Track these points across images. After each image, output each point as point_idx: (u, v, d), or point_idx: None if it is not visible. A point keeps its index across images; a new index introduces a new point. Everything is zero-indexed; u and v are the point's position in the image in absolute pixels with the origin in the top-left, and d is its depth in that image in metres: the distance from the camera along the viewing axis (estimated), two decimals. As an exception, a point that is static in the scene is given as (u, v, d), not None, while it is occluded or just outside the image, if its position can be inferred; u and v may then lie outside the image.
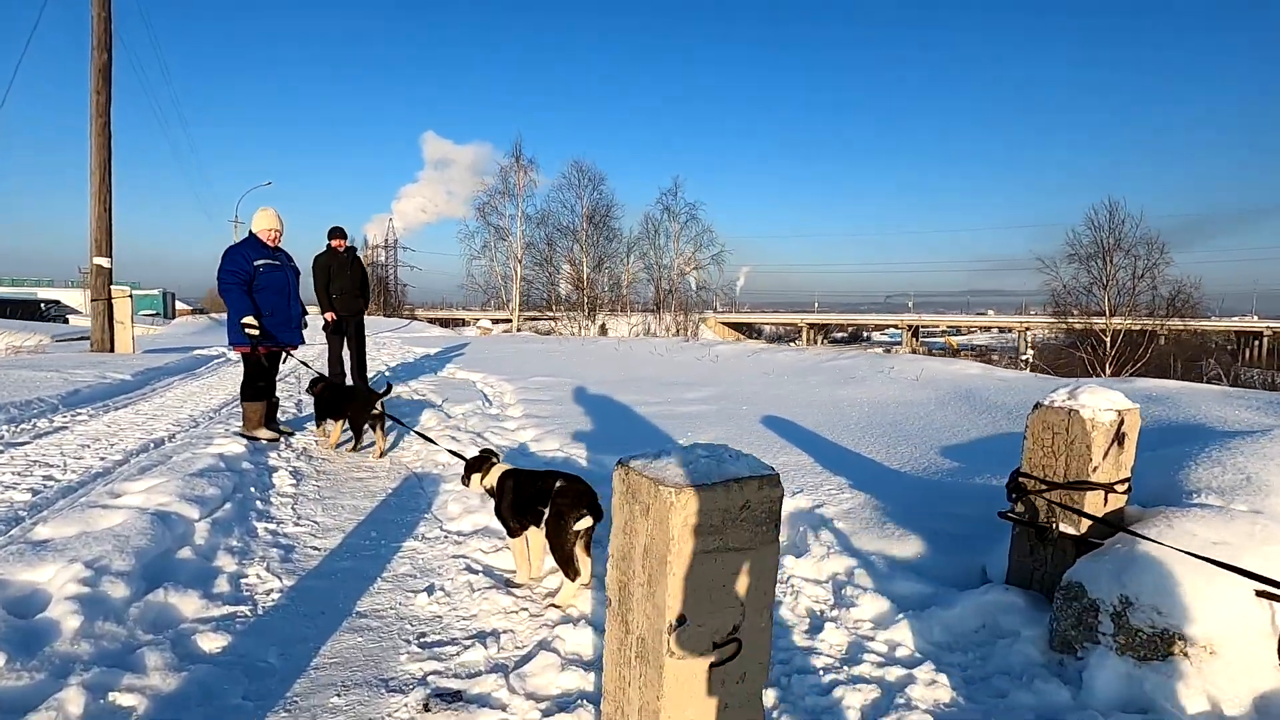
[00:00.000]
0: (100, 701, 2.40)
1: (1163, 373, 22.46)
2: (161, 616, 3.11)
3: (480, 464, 3.80)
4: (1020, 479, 3.18)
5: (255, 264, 6.40)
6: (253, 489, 5.05)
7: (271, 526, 4.46)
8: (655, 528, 1.76)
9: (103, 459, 5.49)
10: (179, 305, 52.39)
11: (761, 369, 12.72)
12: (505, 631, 3.13)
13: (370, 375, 9.94)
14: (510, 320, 33.16)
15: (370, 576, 3.78)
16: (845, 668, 2.79)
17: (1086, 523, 2.95)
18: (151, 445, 6.10)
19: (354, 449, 6.49)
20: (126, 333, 14.72)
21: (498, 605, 3.35)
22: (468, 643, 3.03)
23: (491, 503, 3.82)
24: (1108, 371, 26.55)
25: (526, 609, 3.33)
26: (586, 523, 3.27)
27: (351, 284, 9.27)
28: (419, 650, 2.99)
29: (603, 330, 31.87)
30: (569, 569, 3.29)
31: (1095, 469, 2.92)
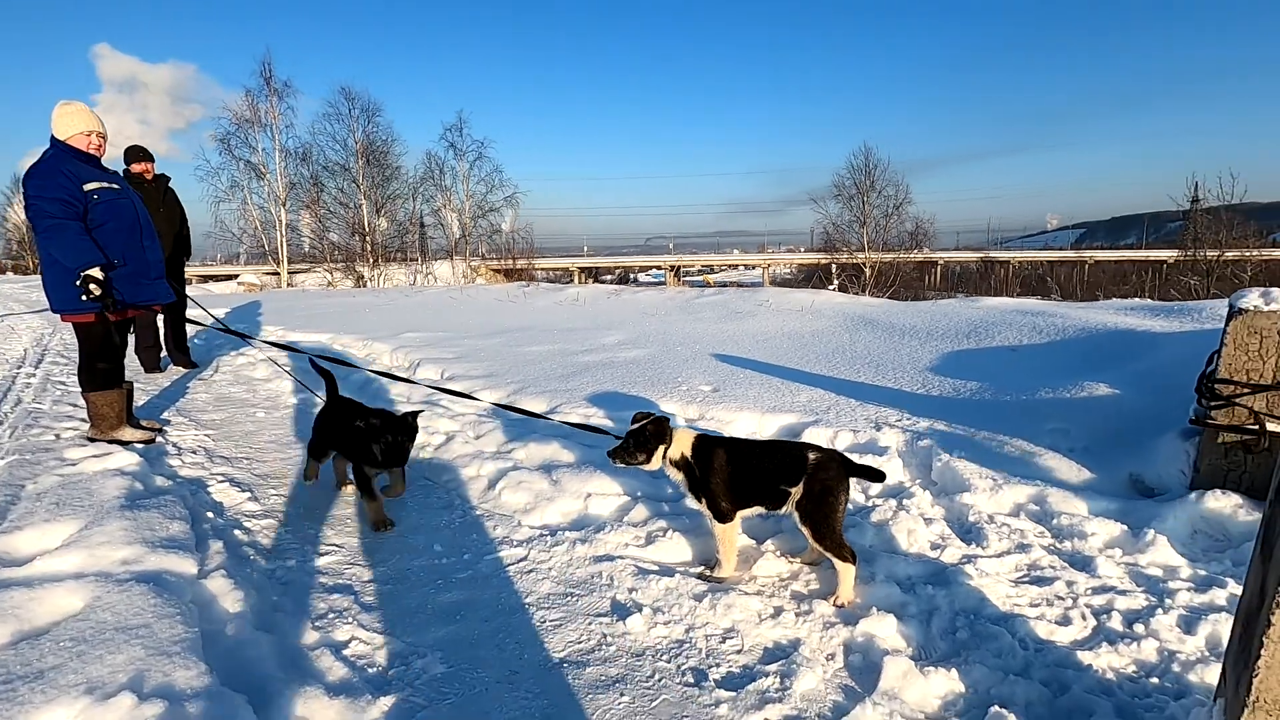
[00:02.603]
0: None
1: (917, 296, 26.65)
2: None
3: (660, 432, 2.90)
4: (1216, 385, 3.23)
5: (86, 188, 4.29)
6: (210, 513, 3.45)
7: (292, 564, 3.07)
8: None
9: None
10: None
11: (636, 310, 12.32)
12: (796, 643, 2.44)
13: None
14: (277, 273, 27.92)
15: (513, 607, 2.75)
16: (1164, 600, 2.62)
17: (1296, 420, 3.09)
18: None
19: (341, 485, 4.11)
20: None
21: (749, 612, 2.62)
22: (774, 667, 2.30)
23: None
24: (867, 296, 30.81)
25: (780, 609, 2.65)
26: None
27: (166, 227, 6.86)
28: (729, 691, 2.20)
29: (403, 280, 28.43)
30: (844, 552, 2.66)
31: (1309, 368, 3.05)
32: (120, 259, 4.41)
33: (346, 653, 2.42)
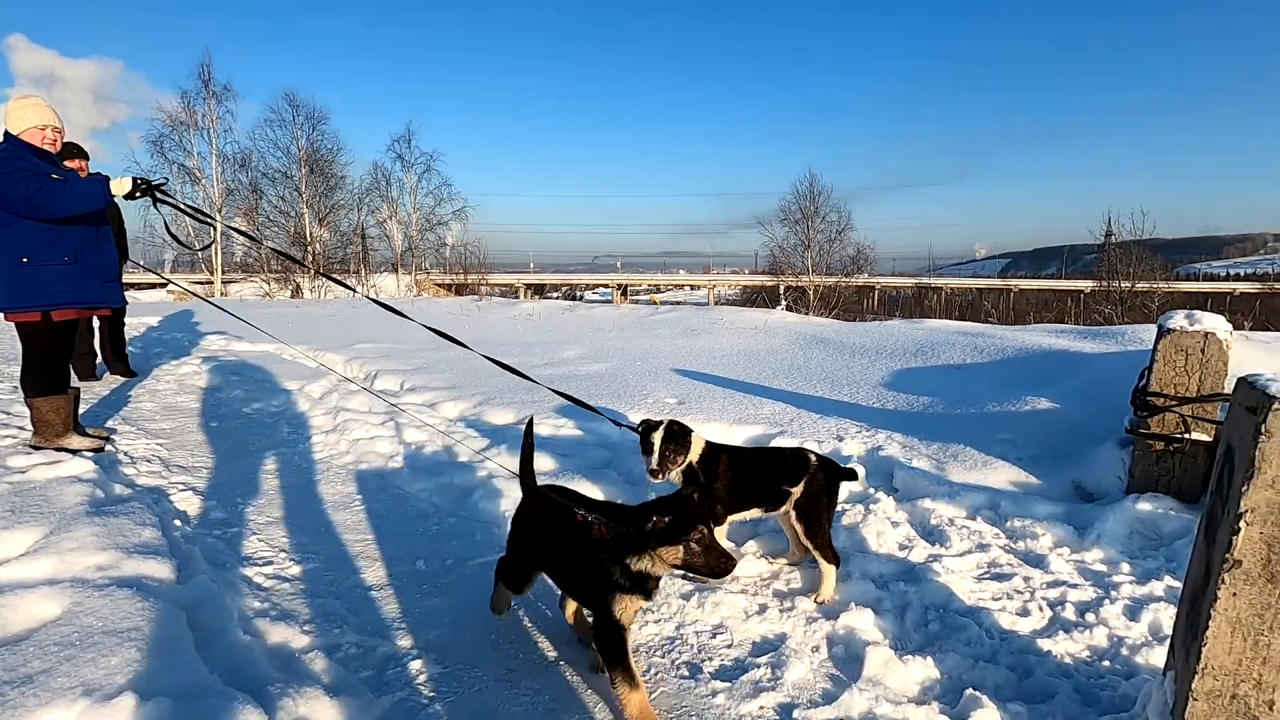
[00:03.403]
0: None
1: (857, 318, 27.59)
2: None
3: (688, 443, 2.95)
4: (1148, 397, 3.55)
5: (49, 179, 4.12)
6: (177, 521, 3.34)
7: (270, 571, 3.01)
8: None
9: None
10: None
11: (592, 325, 12.41)
12: (783, 637, 2.56)
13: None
14: (210, 282, 26.60)
15: (525, 625, 2.77)
16: (1110, 592, 2.86)
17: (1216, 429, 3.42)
18: None
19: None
20: None
21: (735, 609, 2.72)
22: (763, 659, 2.41)
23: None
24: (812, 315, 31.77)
25: (765, 606, 2.76)
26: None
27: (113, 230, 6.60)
28: (724, 682, 2.29)
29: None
30: (831, 554, 2.81)
31: (1227, 380, 3.39)
32: (73, 257, 4.25)
33: (339, 655, 2.40)
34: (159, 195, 4.14)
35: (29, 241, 4.08)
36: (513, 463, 4.44)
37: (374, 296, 5.26)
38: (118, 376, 7.08)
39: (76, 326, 4.62)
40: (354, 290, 4.56)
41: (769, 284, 40.82)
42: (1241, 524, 1.67)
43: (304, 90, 33.02)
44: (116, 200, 4.06)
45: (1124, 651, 2.48)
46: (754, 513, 3.01)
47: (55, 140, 4.35)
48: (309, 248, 28.77)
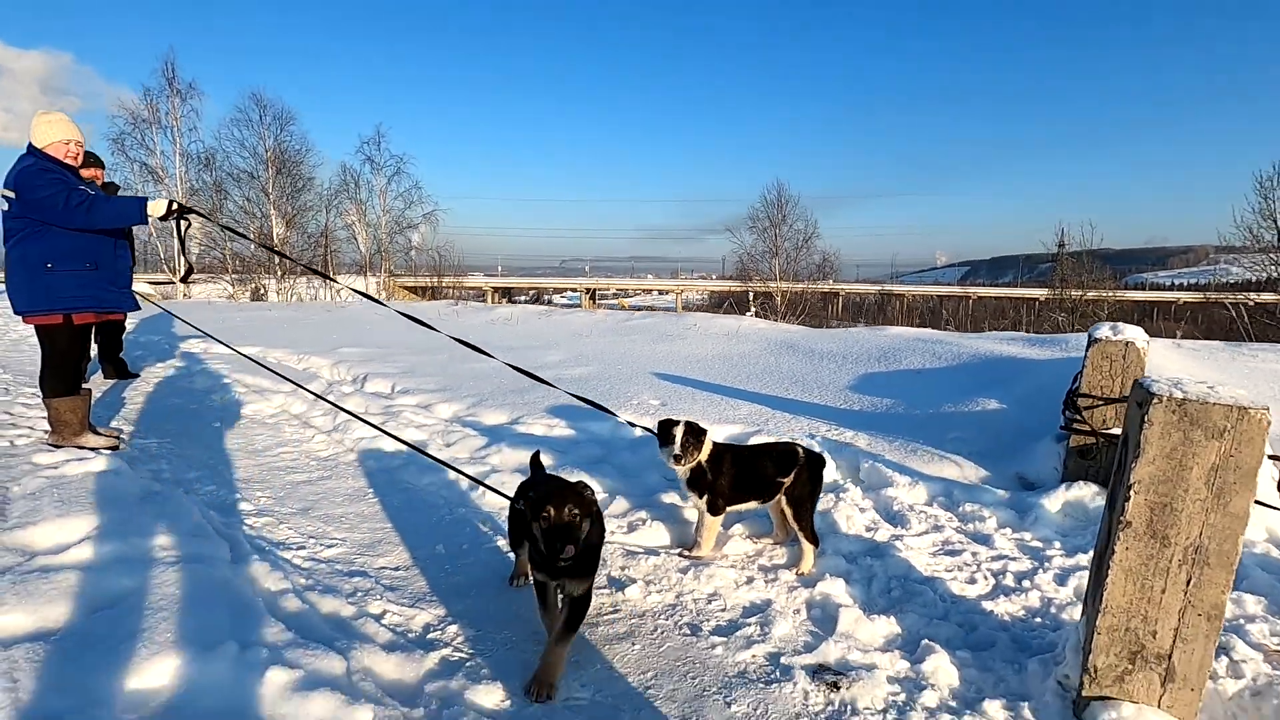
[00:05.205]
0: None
1: (822, 323, 28.50)
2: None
3: (700, 437, 3.31)
4: (1078, 398, 4.07)
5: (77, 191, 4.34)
6: (212, 511, 3.61)
7: (305, 554, 3.32)
8: (1235, 445, 2.00)
9: None
10: None
11: (569, 331, 12.73)
12: (769, 602, 2.97)
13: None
14: (172, 283, 26.11)
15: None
16: (1043, 564, 3.34)
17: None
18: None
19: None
20: None
21: (727, 580, 3.13)
22: (753, 619, 2.82)
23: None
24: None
25: (752, 578, 3.18)
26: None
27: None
28: (721, 637, 2.69)
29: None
30: (813, 535, 3.26)
31: (1144, 385, 3.91)
32: (93, 264, 4.48)
33: (385, 622, 2.74)
34: (191, 218, 4.38)
35: (54, 249, 4.31)
36: (513, 457, 4.80)
37: (401, 310, 5.54)
38: (110, 380, 7.21)
39: (92, 330, 4.84)
40: (380, 301, 4.88)
41: (737, 289, 41.66)
42: (1131, 493, 2.13)
43: (271, 91, 32.50)
44: (151, 220, 4.31)
45: (1053, 610, 2.96)
46: (751, 505, 3.43)
47: (78, 154, 4.59)
48: (274, 250, 28.45)
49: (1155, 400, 2.07)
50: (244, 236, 6.02)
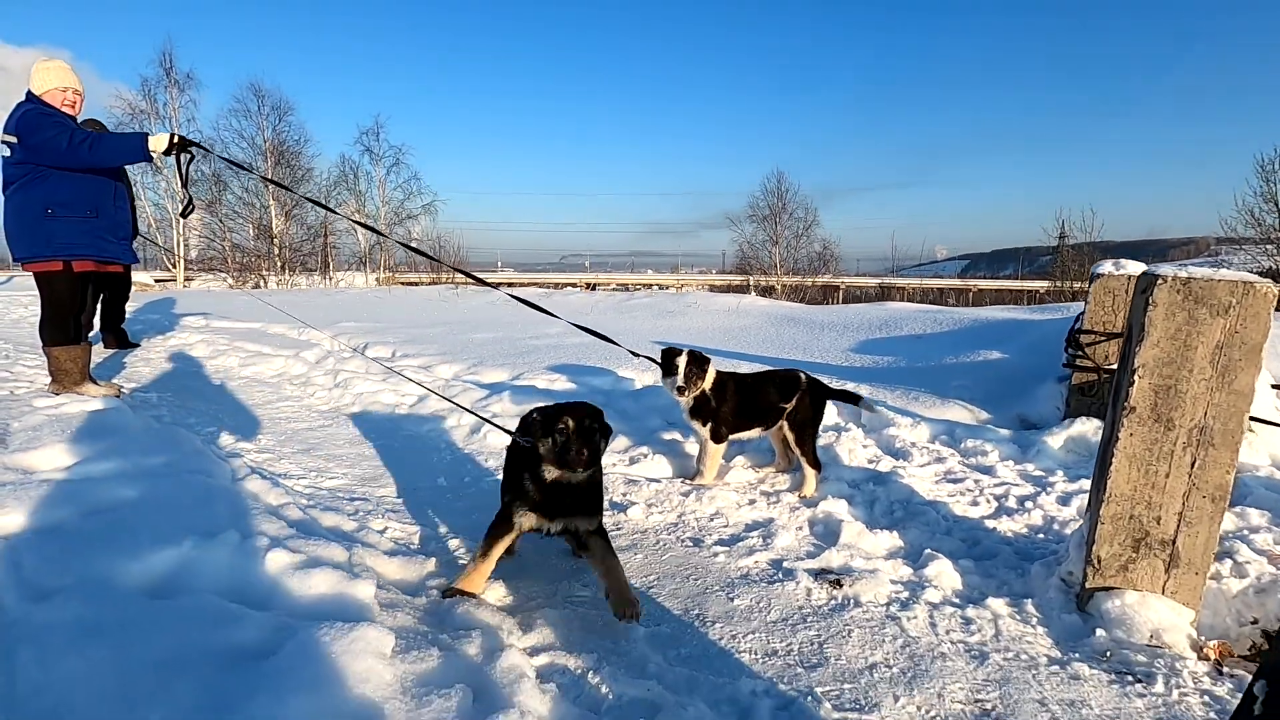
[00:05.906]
0: None
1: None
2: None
3: (704, 366, 3.32)
4: (1080, 335, 4.06)
5: (73, 141, 4.33)
6: (212, 446, 3.61)
7: (306, 483, 3.32)
8: (1241, 321, 1.99)
9: None
10: None
11: (570, 309, 12.68)
12: (771, 519, 2.96)
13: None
14: (173, 279, 26.03)
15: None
16: (1046, 489, 3.33)
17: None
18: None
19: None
20: None
21: (729, 502, 3.14)
22: (755, 533, 2.81)
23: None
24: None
25: (754, 500, 3.17)
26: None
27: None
28: (724, 547, 2.68)
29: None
30: (815, 459, 3.27)
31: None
32: (94, 210, 4.47)
33: (387, 535, 2.73)
34: (193, 150, 4.36)
35: (54, 194, 4.29)
36: (512, 406, 4.80)
37: (512, 292, 5.49)
38: (111, 350, 7.20)
39: (90, 280, 4.82)
40: (492, 285, 4.97)
41: (737, 283, 41.62)
42: (1135, 377, 2.12)
43: (270, 81, 32.52)
44: (155, 155, 4.28)
45: (1055, 527, 2.95)
46: (755, 432, 3.42)
47: (75, 103, 4.56)
48: (274, 241, 28.44)
49: (1160, 281, 2.06)
50: (246, 169, 5.96)
